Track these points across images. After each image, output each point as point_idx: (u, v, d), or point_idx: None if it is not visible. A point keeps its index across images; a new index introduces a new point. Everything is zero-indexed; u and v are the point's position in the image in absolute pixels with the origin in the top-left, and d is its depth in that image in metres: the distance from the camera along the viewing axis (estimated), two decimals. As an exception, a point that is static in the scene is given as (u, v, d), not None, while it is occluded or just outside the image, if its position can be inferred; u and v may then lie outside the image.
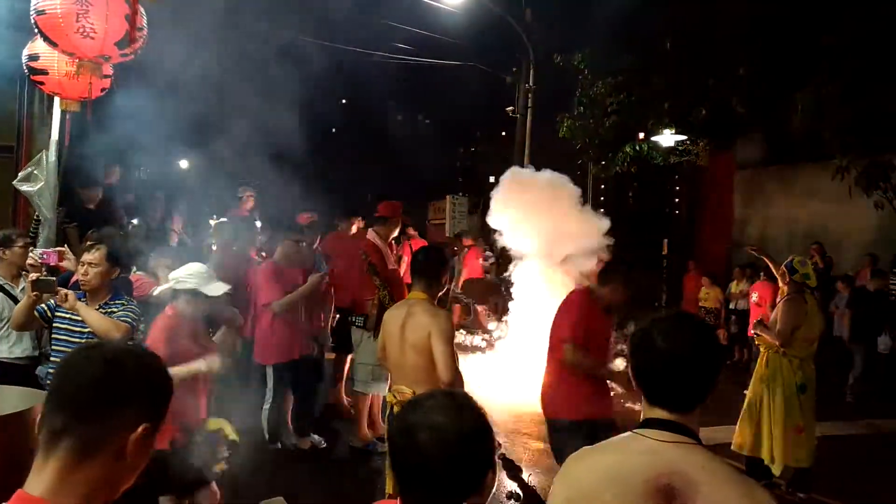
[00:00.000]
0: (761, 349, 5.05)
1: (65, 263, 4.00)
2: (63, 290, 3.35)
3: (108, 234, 4.36)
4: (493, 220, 8.72)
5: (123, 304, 3.53)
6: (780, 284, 5.07)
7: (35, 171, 4.14)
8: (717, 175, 15.38)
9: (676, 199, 19.01)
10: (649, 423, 1.58)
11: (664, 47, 13.79)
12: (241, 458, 4.91)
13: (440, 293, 3.48)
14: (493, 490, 1.41)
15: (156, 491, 2.96)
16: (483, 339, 10.45)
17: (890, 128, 9.37)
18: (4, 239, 4.05)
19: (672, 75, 13.44)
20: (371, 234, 5.67)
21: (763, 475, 4.71)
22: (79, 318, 3.30)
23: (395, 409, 3.32)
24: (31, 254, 3.82)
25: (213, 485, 3.54)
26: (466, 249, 12.15)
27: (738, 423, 5.06)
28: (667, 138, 13.74)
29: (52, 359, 3.61)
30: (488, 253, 15.24)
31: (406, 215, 6.46)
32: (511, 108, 16.83)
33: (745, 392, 5.13)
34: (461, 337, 10.14)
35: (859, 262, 9.67)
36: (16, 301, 3.97)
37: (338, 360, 6.38)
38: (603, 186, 19.47)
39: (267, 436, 5.14)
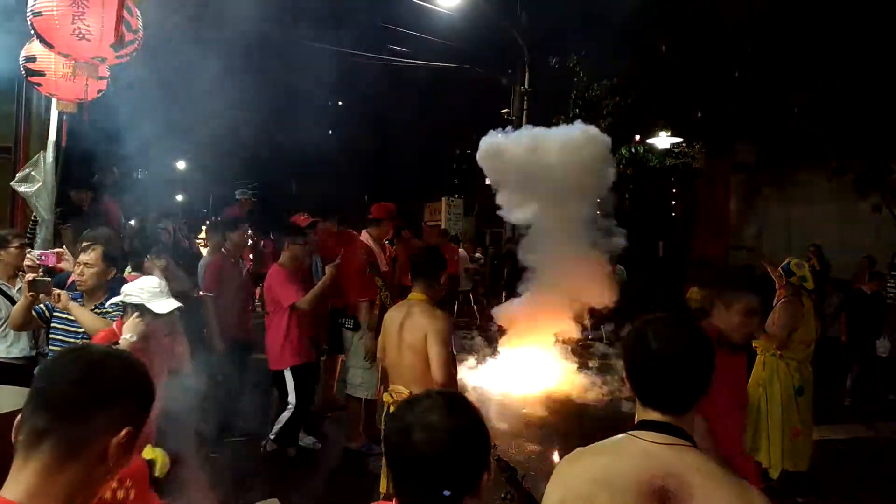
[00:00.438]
0: (758, 351, 5.05)
1: (63, 264, 4.00)
2: (56, 291, 3.35)
3: (102, 235, 4.36)
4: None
5: (118, 305, 3.53)
6: (777, 287, 5.08)
7: (33, 173, 4.14)
8: (713, 178, 15.42)
9: (672, 202, 19.06)
10: (643, 425, 1.59)
11: (660, 50, 13.83)
12: (237, 460, 4.96)
13: (440, 294, 3.49)
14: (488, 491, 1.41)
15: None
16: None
17: (886, 130, 9.41)
18: (0, 240, 4.05)
19: (668, 78, 13.48)
20: (364, 236, 5.68)
21: (760, 478, 4.72)
22: (75, 319, 3.31)
23: (392, 409, 3.32)
24: (29, 255, 3.81)
25: (208, 487, 3.53)
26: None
27: None
28: (662, 141, 13.77)
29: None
30: (478, 255, 15.29)
31: (399, 217, 6.43)
32: (506, 110, 16.87)
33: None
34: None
35: (857, 264, 9.68)
36: (13, 301, 3.98)
37: (331, 361, 6.37)
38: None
39: (273, 441, 5.06)
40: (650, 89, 13.85)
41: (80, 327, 3.29)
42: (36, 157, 4.28)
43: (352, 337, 5.48)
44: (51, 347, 3.47)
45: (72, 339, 3.33)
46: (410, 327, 3.28)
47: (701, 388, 1.58)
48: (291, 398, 4.97)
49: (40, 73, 3.68)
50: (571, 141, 8.40)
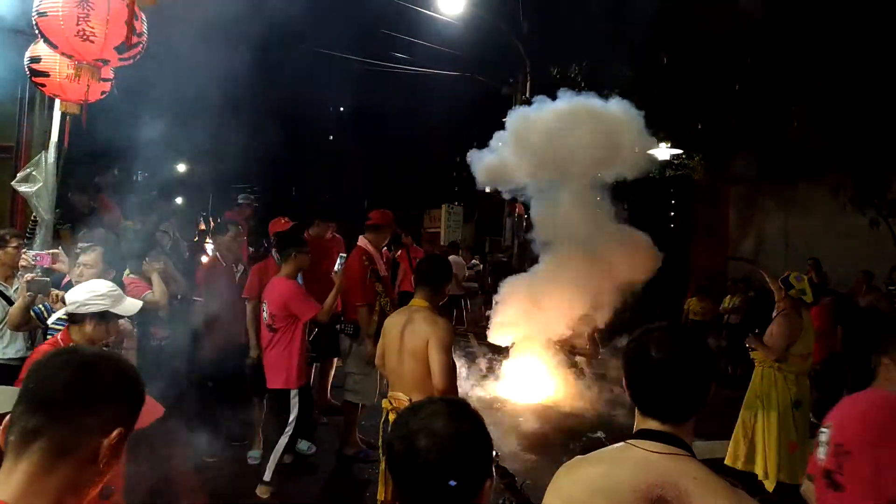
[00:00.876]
0: (755, 364, 5.06)
1: (58, 266, 3.99)
2: (55, 291, 3.36)
3: (101, 236, 4.37)
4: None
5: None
6: (776, 299, 5.08)
7: (34, 173, 4.14)
8: (712, 189, 15.45)
9: (672, 213, 19.09)
10: (642, 434, 1.59)
11: (660, 61, 13.88)
12: (231, 466, 4.94)
13: (441, 301, 3.49)
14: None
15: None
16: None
17: (884, 144, 9.45)
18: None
19: (668, 89, 13.52)
20: (363, 241, 5.66)
21: (756, 491, 4.71)
22: None
23: (391, 415, 3.32)
24: (24, 255, 3.81)
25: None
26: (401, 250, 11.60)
27: (732, 437, 5.05)
28: (662, 152, 13.81)
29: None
30: (475, 261, 15.31)
31: (400, 224, 6.41)
32: (506, 119, 16.87)
33: (739, 407, 5.14)
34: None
35: (854, 278, 9.70)
36: (10, 302, 3.97)
37: (325, 365, 6.33)
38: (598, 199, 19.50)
39: (267, 483, 4.54)
40: (650, 100, 13.89)
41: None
42: (37, 158, 4.28)
43: (349, 343, 5.46)
44: (48, 348, 3.47)
45: (70, 340, 3.32)
46: (411, 334, 3.27)
47: (700, 398, 1.58)
48: (292, 418, 4.60)
49: (45, 74, 3.69)
50: (607, 112, 8.10)
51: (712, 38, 12.25)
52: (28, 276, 3.43)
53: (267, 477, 4.47)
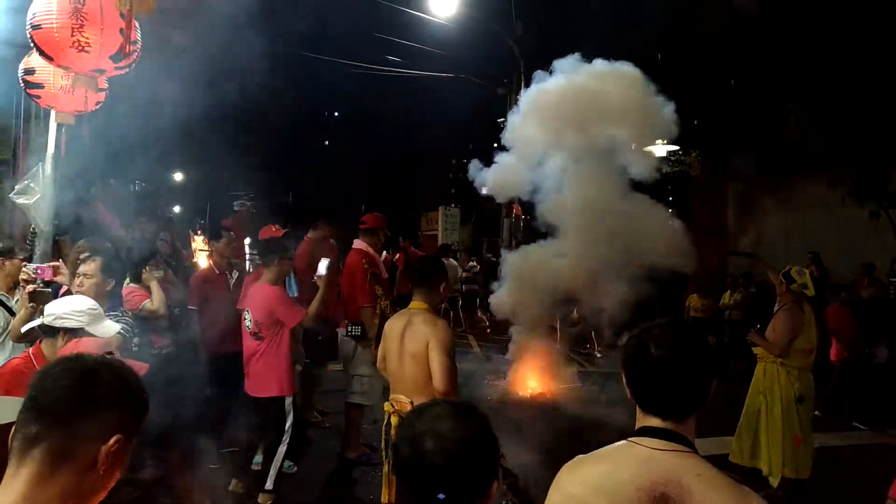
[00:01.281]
0: (758, 359, 5.05)
1: (59, 278, 3.99)
2: None
3: (99, 246, 4.37)
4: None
5: (117, 317, 3.55)
6: (778, 293, 5.06)
7: (31, 184, 4.13)
8: (710, 186, 15.46)
9: (669, 210, 19.07)
10: (644, 432, 1.59)
11: (656, 58, 13.89)
12: (234, 472, 4.93)
13: (441, 303, 3.48)
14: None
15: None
16: None
17: (882, 137, 9.46)
18: (7, 250, 4.09)
19: (664, 85, 13.53)
20: (361, 244, 5.67)
21: (760, 486, 4.70)
22: None
23: (393, 418, 3.32)
24: (24, 269, 3.81)
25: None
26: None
27: (736, 433, 5.05)
28: (659, 149, 13.81)
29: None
30: (472, 263, 15.31)
31: (397, 227, 6.40)
32: (503, 119, 16.89)
33: (741, 403, 5.13)
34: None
35: (855, 271, 9.70)
36: (11, 312, 3.98)
37: (316, 370, 6.31)
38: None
39: (272, 479, 4.46)
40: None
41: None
42: (34, 169, 4.27)
43: (354, 345, 5.45)
44: (49, 359, 3.46)
45: (70, 351, 3.32)
46: (412, 336, 3.27)
47: (701, 394, 1.58)
48: (289, 425, 4.52)
49: (39, 86, 3.69)
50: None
51: (709, 35, 12.28)
52: (30, 287, 3.44)
53: (269, 485, 4.40)
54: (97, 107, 3.97)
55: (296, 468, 5.20)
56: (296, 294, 5.39)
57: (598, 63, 8.02)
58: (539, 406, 7.52)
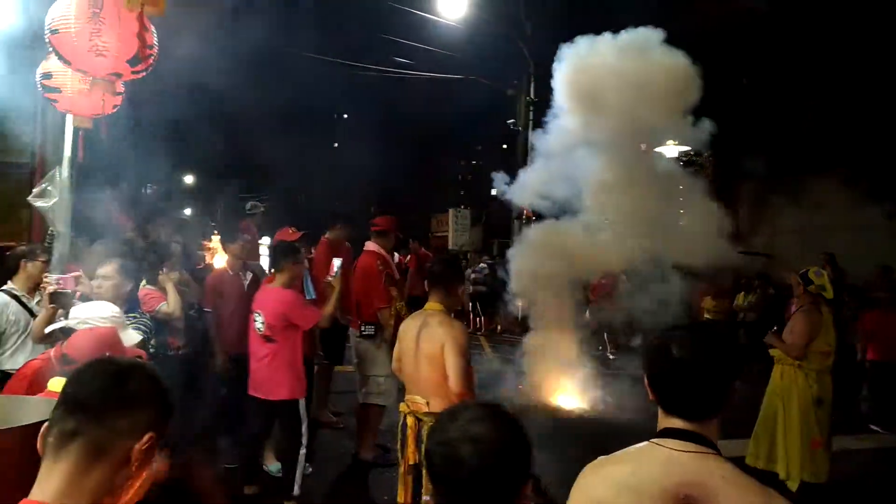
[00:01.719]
0: (775, 361, 5.00)
1: (80, 288, 4.04)
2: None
3: (116, 248, 4.41)
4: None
5: (136, 318, 3.59)
6: (795, 294, 5.01)
7: (49, 188, 4.18)
8: (722, 186, 15.37)
9: (681, 210, 18.96)
10: (666, 433, 1.58)
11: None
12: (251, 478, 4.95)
13: (457, 305, 3.48)
14: None
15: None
16: None
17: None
18: (29, 252, 4.17)
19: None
20: (374, 246, 5.68)
21: (779, 491, 4.64)
22: None
23: (409, 419, 3.32)
24: (46, 279, 3.85)
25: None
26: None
27: (752, 436, 5.00)
28: (670, 149, 13.76)
29: (67, 370, 3.62)
30: (482, 265, 15.30)
31: (407, 229, 6.40)
32: (512, 120, 16.90)
33: (758, 405, 5.09)
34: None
35: (871, 272, 9.59)
36: (31, 313, 4.03)
37: (328, 371, 6.31)
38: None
39: (298, 484, 4.42)
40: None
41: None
42: (52, 173, 4.32)
43: (370, 346, 5.45)
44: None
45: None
46: (427, 337, 3.27)
47: (724, 395, 1.57)
48: (305, 427, 4.49)
49: (57, 90, 3.73)
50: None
51: (720, 34, 12.21)
52: (51, 288, 3.48)
53: (296, 491, 4.36)
54: (114, 110, 4.00)
55: (311, 469, 5.21)
56: (313, 296, 5.39)
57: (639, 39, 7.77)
58: (555, 408, 7.49)
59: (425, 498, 3.51)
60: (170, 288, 4.58)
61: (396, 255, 7.33)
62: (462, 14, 14.46)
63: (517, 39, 15.59)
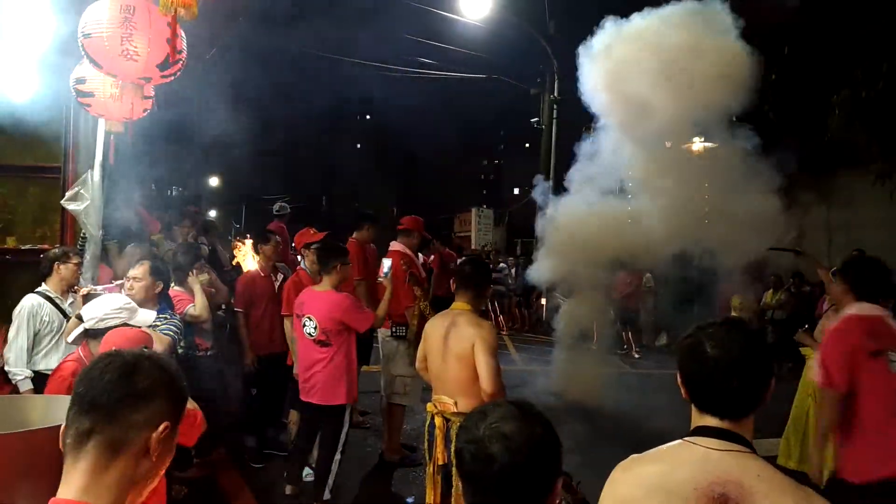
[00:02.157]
0: (806, 360, 4.92)
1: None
2: None
3: (146, 250, 4.50)
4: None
5: (166, 319, 3.65)
6: (827, 292, 4.92)
7: (81, 191, 4.27)
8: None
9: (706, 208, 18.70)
10: (700, 431, 1.57)
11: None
12: (278, 472, 5.00)
13: (483, 305, 3.48)
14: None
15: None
16: None
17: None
18: (62, 254, 4.24)
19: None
20: (399, 246, 5.71)
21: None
22: None
23: (437, 419, 3.32)
24: (90, 289, 3.93)
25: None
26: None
27: (783, 436, 4.93)
28: (696, 146, 13.57)
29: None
30: (502, 265, 15.25)
31: (430, 229, 6.39)
32: (536, 119, 16.84)
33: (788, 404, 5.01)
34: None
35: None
36: (65, 315, 4.11)
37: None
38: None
39: (329, 489, 4.34)
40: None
41: (132, 340, 3.36)
42: (84, 176, 4.41)
43: (396, 345, 5.47)
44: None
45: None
46: (456, 337, 3.26)
47: (759, 393, 1.55)
48: (345, 431, 4.40)
49: (90, 94, 3.80)
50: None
51: (747, 27, 12.01)
52: (84, 290, 3.55)
53: (327, 496, 4.31)
54: (144, 114, 4.07)
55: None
56: None
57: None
58: (584, 407, 7.43)
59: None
60: (197, 290, 4.65)
61: (421, 255, 7.32)
62: (485, 14, 14.44)
63: (540, 38, 15.53)
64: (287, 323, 5.02)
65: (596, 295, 8.33)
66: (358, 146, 54.43)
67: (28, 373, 4.02)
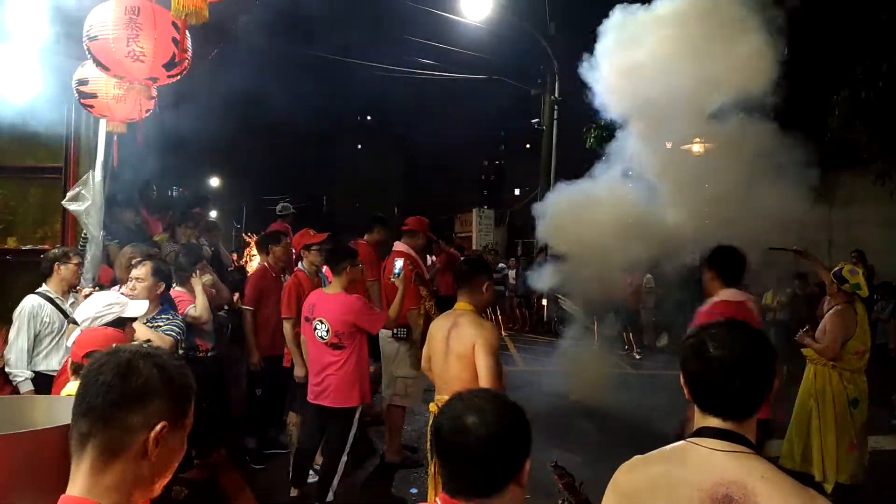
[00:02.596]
0: (808, 361, 4.90)
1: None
2: None
3: (147, 251, 4.50)
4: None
5: (169, 319, 3.66)
6: (829, 293, 4.90)
7: (82, 191, 4.27)
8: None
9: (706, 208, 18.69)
10: (704, 432, 1.57)
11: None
12: (278, 473, 5.00)
13: (485, 302, 3.48)
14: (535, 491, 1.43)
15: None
16: None
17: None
18: (62, 255, 4.24)
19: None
20: (403, 246, 5.70)
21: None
22: None
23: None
24: (87, 287, 3.94)
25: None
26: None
27: (786, 437, 4.91)
28: (696, 147, 13.57)
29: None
30: (502, 265, 15.25)
31: (434, 230, 6.38)
32: (536, 120, 16.85)
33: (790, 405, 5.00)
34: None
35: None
36: (65, 315, 4.12)
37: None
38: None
39: (333, 491, 4.32)
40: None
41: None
42: (85, 177, 4.41)
43: (398, 346, 5.47)
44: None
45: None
46: (458, 337, 3.27)
47: (762, 394, 1.55)
48: (353, 434, 4.37)
49: (92, 96, 3.81)
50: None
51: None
52: (86, 290, 3.56)
53: (330, 497, 4.30)
54: (147, 114, 4.08)
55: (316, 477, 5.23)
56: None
57: None
58: (587, 408, 7.43)
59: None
60: (198, 291, 4.64)
61: (430, 257, 7.30)
62: (486, 15, 14.45)
63: (541, 39, 15.54)
64: (287, 325, 4.97)
65: (606, 296, 8.24)
66: (359, 147, 54.42)
67: (28, 374, 4.03)
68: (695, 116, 7.03)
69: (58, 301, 4.19)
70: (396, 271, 4.69)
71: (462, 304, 3.40)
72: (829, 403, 4.63)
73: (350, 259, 4.44)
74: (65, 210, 4.99)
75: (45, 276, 4.23)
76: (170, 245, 6.18)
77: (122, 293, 3.64)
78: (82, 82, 3.84)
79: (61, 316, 4.16)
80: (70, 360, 2.75)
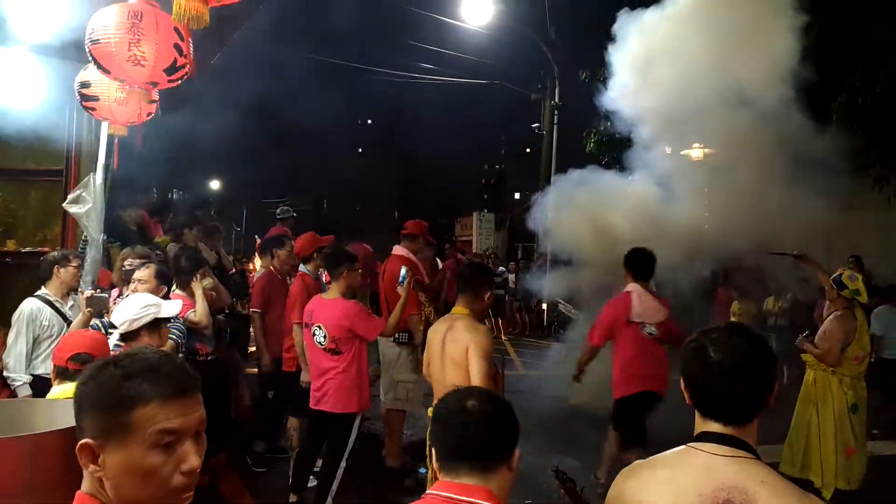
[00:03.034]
0: (807, 367, 4.90)
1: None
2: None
3: (144, 252, 4.49)
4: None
5: (171, 321, 3.64)
6: (828, 298, 4.90)
7: (83, 194, 4.27)
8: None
9: (706, 214, 18.70)
10: (704, 437, 1.57)
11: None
12: (280, 477, 5.00)
13: (483, 309, 3.48)
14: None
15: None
16: None
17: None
18: (61, 258, 4.23)
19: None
20: (402, 250, 5.68)
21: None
22: None
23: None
24: (88, 290, 3.93)
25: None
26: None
27: (786, 443, 4.91)
28: (696, 152, 13.59)
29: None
30: (501, 269, 15.27)
31: (434, 234, 6.36)
32: (536, 124, 16.89)
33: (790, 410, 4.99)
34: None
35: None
36: (64, 318, 4.11)
37: None
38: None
39: (331, 499, 4.29)
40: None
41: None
42: (86, 179, 4.41)
43: (398, 351, 5.45)
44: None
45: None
46: (452, 341, 3.29)
47: (763, 399, 1.56)
48: (352, 440, 4.36)
49: (94, 98, 3.82)
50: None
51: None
52: (87, 292, 3.56)
53: (328, 502, 4.26)
54: (148, 118, 4.09)
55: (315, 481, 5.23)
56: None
57: None
58: (590, 412, 7.40)
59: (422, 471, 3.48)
60: (199, 295, 4.62)
61: (440, 262, 7.26)
62: (487, 20, 14.50)
63: (541, 44, 15.58)
64: (297, 329, 4.93)
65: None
66: (360, 150, 54.49)
67: (27, 378, 4.01)
68: (711, 122, 7.12)
69: (57, 304, 4.18)
70: (401, 279, 4.63)
71: (459, 309, 3.43)
72: (829, 409, 4.63)
73: (348, 263, 4.41)
74: (65, 213, 4.98)
75: (44, 279, 4.22)
76: (174, 248, 6.18)
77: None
78: (84, 85, 3.85)
79: (60, 319, 4.15)
80: (53, 363, 2.71)
